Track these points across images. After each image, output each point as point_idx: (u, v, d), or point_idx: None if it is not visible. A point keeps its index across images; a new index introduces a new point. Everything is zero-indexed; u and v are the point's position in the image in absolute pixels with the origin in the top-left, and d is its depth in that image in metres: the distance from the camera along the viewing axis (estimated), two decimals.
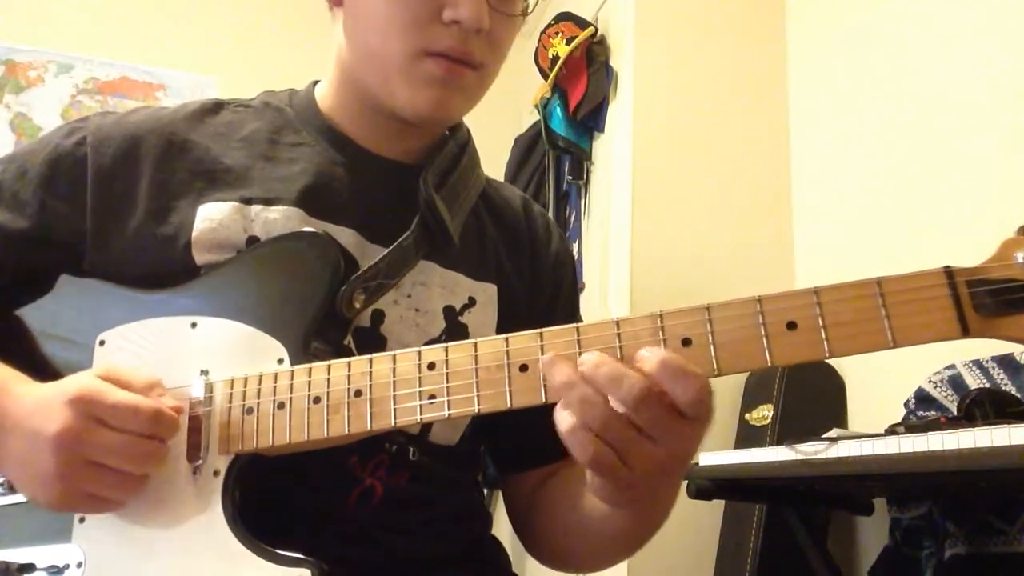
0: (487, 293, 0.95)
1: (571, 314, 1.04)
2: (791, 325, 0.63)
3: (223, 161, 0.90)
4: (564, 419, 0.64)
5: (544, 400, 0.67)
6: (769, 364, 0.63)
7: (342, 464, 0.83)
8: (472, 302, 0.93)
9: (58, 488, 0.72)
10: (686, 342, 0.65)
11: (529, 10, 0.93)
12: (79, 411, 0.71)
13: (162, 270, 0.85)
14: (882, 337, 0.61)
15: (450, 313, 0.91)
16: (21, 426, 0.74)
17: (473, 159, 1.00)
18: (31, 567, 0.78)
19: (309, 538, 0.78)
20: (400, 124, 0.92)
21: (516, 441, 0.96)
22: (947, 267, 0.61)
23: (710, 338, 0.64)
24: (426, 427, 0.89)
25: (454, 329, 0.91)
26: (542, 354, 0.67)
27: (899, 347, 0.61)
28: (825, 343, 0.62)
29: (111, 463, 0.72)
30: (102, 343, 0.83)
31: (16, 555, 0.79)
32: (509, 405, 0.68)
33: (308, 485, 0.82)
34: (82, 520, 0.78)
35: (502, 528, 1.01)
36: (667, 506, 0.78)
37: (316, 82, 1.00)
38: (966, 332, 0.60)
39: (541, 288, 1.01)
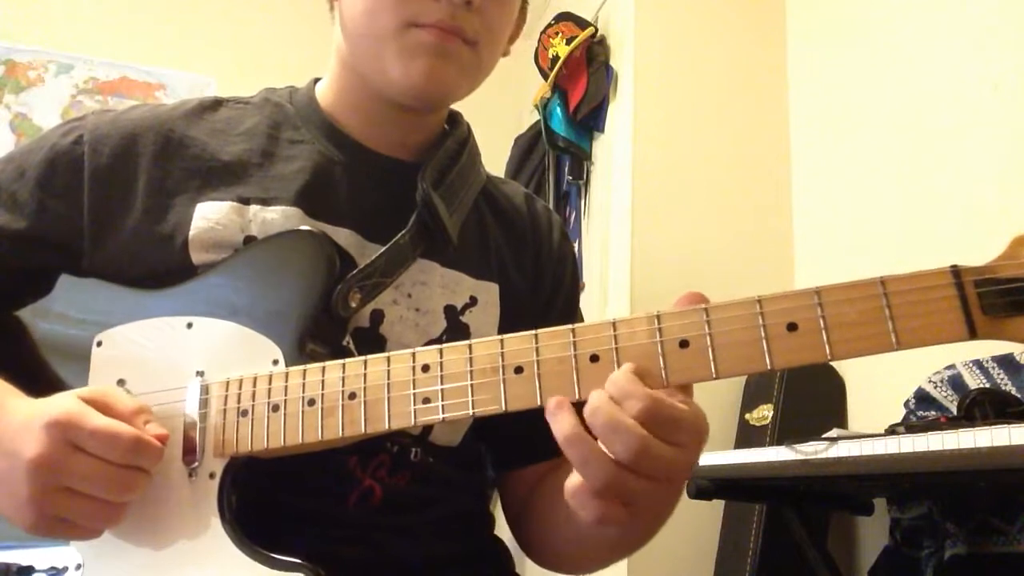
0: (489, 292, 0.94)
1: (570, 310, 1.04)
2: (792, 327, 0.61)
3: (220, 157, 0.90)
4: (571, 479, 0.63)
5: (539, 403, 0.66)
6: (769, 367, 0.61)
7: (341, 465, 0.83)
8: (474, 301, 0.93)
9: (31, 512, 0.70)
10: (683, 344, 0.63)
11: None
12: (56, 436, 0.69)
13: (160, 269, 0.85)
14: (886, 339, 0.59)
15: (451, 313, 0.91)
16: (3, 445, 0.72)
17: (473, 156, 1.00)
18: (30, 569, 0.78)
19: (308, 540, 0.78)
20: (400, 115, 0.91)
21: (513, 438, 0.95)
22: (954, 266, 0.59)
23: (708, 340, 0.63)
24: (428, 428, 0.88)
25: (455, 329, 0.90)
26: (537, 356, 0.66)
27: (903, 349, 0.59)
28: (827, 346, 0.60)
29: (87, 491, 0.70)
30: (99, 344, 0.83)
31: (16, 556, 0.79)
32: (504, 408, 0.67)
33: (307, 487, 0.81)
34: None
35: (504, 528, 1.01)
36: (665, 517, 0.75)
37: (317, 79, 0.99)
38: (973, 334, 0.58)
39: (542, 284, 1.01)
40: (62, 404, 0.71)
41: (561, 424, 0.62)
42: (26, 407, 0.74)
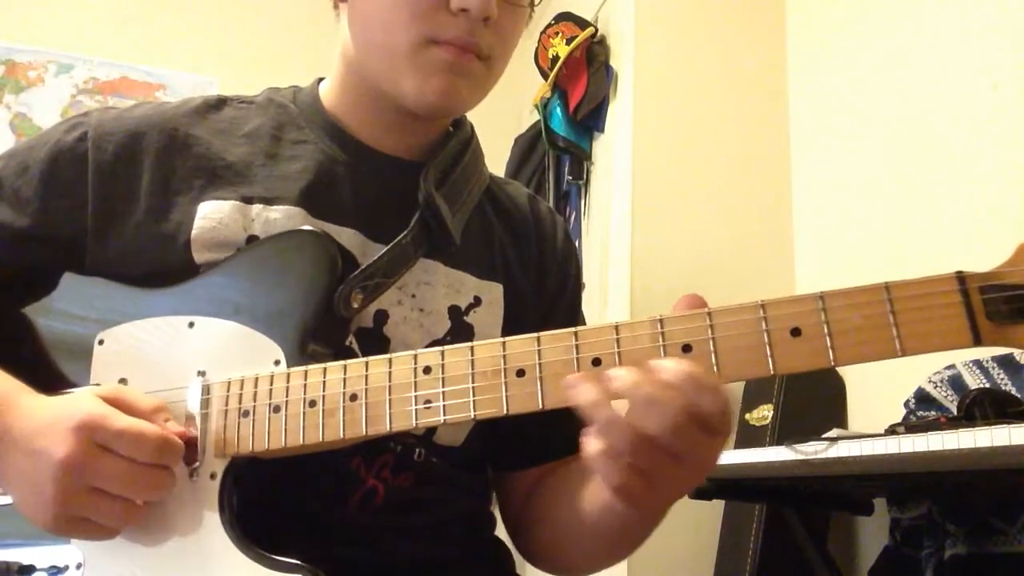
0: (493, 292, 0.94)
1: (574, 311, 1.04)
2: (795, 332, 0.61)
3: (224, 157, 0.89)
4: (592, 442, 0.62)
5: (541, 406, 0.66)
6: (772, 373, 0.61)
7: (344, 466, 0.82)
8: (478, 301, 0.93)
9: (54, 512, 0.71)
10: (686, 348, 0.63)
11: (537, 1, 0.92)
12: (84, 437, 0.70)
13: (162, 268, 0.85)
14: (890, 345, 0.59)
15: (455, 313, 0.91)
16: (24, 444, 0.73)
17: (476, 156, 1.00)
18: (31, 568, 0.78)
19: (309, 541, 0.78)
20: (405, 118, 0.91)
21: (514, 439, 0.95)
22: (959, 272, 0.58)
23: (711, 344, 0.63)
24: (431, 428, 0.88)
25: (459, 329, 0.90)
26: (539, 359, 0.66)
27: (907, 355, 0.59)
28: (830, 351, 0.60)
29: (113, 491, 0.71)
30: (101, 342, 0.83)
31: (17, 555, 0.79)
32: (506, 411, 0.67)
33: (309, 487, 0.81)
34: None
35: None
36: (671, 504, 0.77)
37: (321, 79, 0.99)
38: (978, 341, 0.57)
39: (546, 285, 1.01)
40: (86, 405, 0.72)
41: (584, 391, 0.62)
42: (45, 407, 0.75)
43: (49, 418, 0.73)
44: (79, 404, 0.73)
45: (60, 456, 0.70)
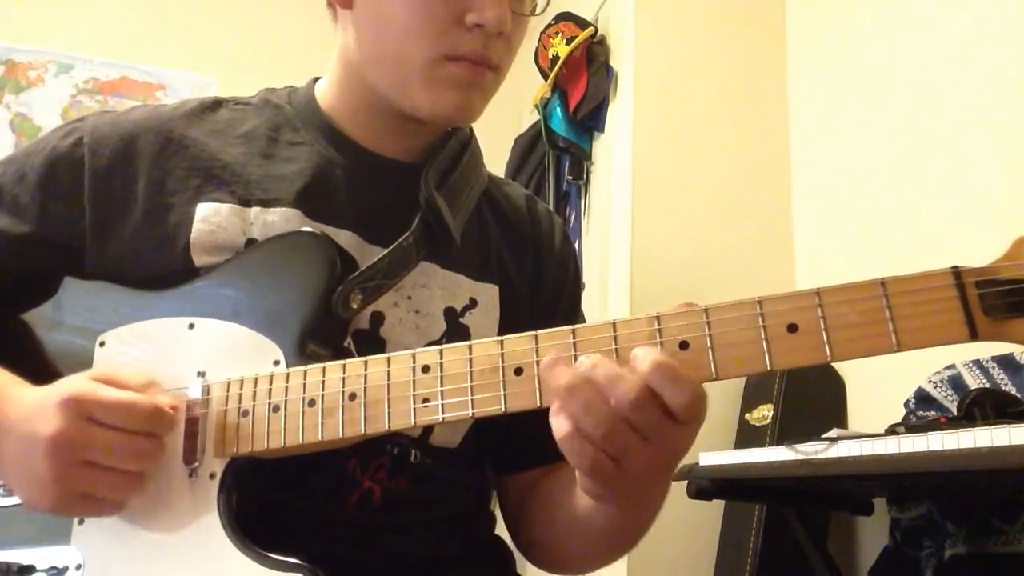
0: (489, 294, 0.94)
1: (572, 313, 1.04)
2: (792, 328, 0.61)
3: (220, 158, 0.89)
4: (561, 425, 0.63)
5: (539, 404, 0.66)
6: (769, 368, 0.61)
7: (342, 467, 0.83)
8: (473, 303, 0.93)
9: (54, 491, 0.72)
10: (683, 345, 0.63)
11: (538, 11, 0.93)
12: (72, 411, 0.71)
13: (162, 271, 0.85)
14: (886, 341, 0.59)
15: (451, 315, 0.91)
16: (16, 430, 0.74)
17: (475, 157, 1.00)
18: (31, 569, 0.78)
19: (308, 541, 0.78)
20: (404, 122, 0.91)
21: (511, 442, 0.95)
22: (955, 267, 0.59)
23: (708, 341, 0.63)
24: (428, 429, 0.88)
25: (455, 331, 0.90)
26: (537, 356, 0.66)
27: (904, 351, 0.59)
28: (827, 347, 0.60)
29: (106, 462, 0.72)
30: (102, 344, 0.83)
31: (16, 556, 0.79)
32: (504, 409, 0.67)
33: (307, 488, 0.81)
34: (81, 522, 0.78)
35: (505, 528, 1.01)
36: (658, 504, 0.78)
37: (317, 79, 0.99)
38: (974, 335, 0.57)
39: (544, 287, 1.01)
40: (74, 383, 0.73)
41: (559, 374, 0.63)
42: (34, 393, 0.76)
43: (38, 401, 0.74)
44: (67, 383, 0.74)
45: (50, 432, 0.71)
